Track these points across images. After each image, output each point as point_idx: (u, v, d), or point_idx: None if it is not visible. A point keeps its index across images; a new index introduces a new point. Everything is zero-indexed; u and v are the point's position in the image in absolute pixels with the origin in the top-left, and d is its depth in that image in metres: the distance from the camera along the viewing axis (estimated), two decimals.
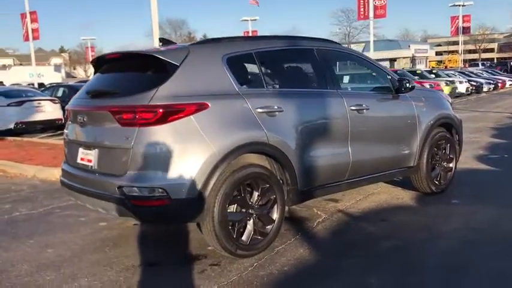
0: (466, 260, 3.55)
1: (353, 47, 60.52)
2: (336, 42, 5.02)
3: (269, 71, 4.21)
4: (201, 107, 3.47)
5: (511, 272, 3.34)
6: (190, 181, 3.37)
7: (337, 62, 5.42)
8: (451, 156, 5.51)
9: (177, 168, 3.37)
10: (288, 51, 4.34)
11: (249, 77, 3.98)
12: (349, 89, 5.07)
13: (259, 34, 48.73)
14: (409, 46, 69.42)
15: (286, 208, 4.08)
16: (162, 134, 3.36)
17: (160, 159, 3.36)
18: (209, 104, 3.51)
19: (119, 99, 3.56)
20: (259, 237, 3.76)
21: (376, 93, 4.91)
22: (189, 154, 3.40)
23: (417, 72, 22.45)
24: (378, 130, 4.69)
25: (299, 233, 4.26)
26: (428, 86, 19.19)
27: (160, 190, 3.34)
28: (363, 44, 55.49)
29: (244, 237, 3.69)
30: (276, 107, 3.86)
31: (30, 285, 3.38)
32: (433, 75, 24.29)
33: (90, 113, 3.71)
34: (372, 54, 33.51)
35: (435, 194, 5.32)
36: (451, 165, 5.53)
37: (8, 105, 12.61)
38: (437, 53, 79.94)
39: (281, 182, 3.94)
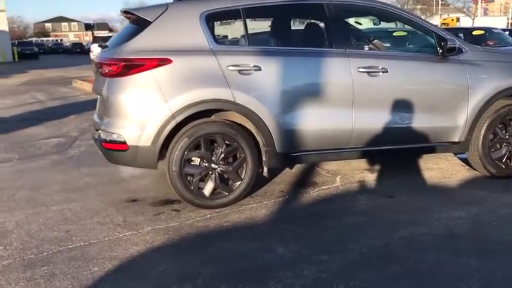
0: (359, 247, 3.11)
1: None
2: None
3: (258, 28, 4.10)
4: (162, 62, 3.69)
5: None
6: (143, 131, 3.69)
7: (374, 20, 4.84)
8: None
9: (134, 118, 3.72)
10: (288, 7, 4.12)
11: (230, 34, 3.98)
12: (367, 50, 4.51)
13: None
14: None
15: (266, 169, 4.05)
16: (123, 85, 3.72)
17: (121, 108, 3.75)
18: (172, 60, 3.70)
19: (105, 53, 4.03)
20: (223, 192, 3.88)
21: (410, 55, 4.31)
22: (145, 106, 3.70)
23: None
24: (399, 96, 4.14)
25: (286, 196, 4.19)
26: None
27: (119, 136, 3.75)
28: None
29: (205, 190, 3.86)
30: (252, 65, 3.81)
31: (30, 201, 4.21)
32: None
33: (95, 64, 4.27)
34: None
35: (501, 180, 4.45)
36: None
37: None
38: None
39: (261, 142, 3.92)
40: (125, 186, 4.56)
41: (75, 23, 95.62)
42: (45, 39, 69.80)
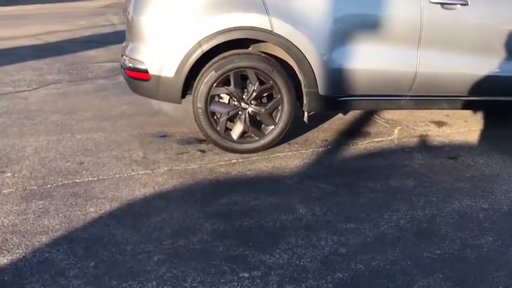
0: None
1: None
2: None
3: None
4: None
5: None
6: (166, 60, 3.27)
7: None
8: None
9: (156, 44, 3.30)
10: None
11: None
12: None
13: None
14: None
15: (306, 114, 3.52)
16: (147, 4, 3.28)
17: (144, 32, 3.33)
18: None
19: None
20: (253, 137, 3.44)
21: None
22: (169, 31, 3.25)
23: None
24: (480, 36, 3.37)
25: (328, 147, 3.66)
26: None
27: (141, 64, 3.35)
28: None
29: (233, 132, 3.43)
30: None
31: (59, 126, 4.01)
32: None
33: None
34: None
35: None
36: None
37: None
38: None
39: (302, 82, 3.37)
40: (159, 119, 4.24)
41: None
42: None
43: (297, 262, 2.21)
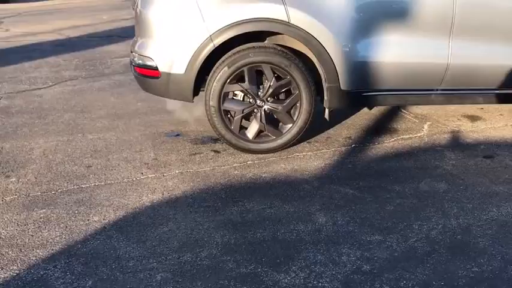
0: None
1: None
2: None
3: None
4: None
5: None
6: (176, 56, 3.06)
7: None
8: None
9: (166, 40, 3.11)
10: None
11: None
12: None
13: None
14: None
15: (327, 111, 3.27)
16: (157, 1, 3.08)
17: (153, 27, 3.13)
18: None
19: None
20: (270, 136, 3.21)
21: None
22: (179, 25, 3.05)
23: None
24: None
25: (352, 145, 3.41)
26: None
27: (151, 60, 3.16)
28: None
29: (248, 132, 3.21)
30: None
31: (70, 126, 3.86)
32: None
33: None
34: None
35: None
36: None
37: None
38: None
39: (322, 76, 3.13)
40: (174, 117, 4.04)
41: None
42: None
43: (315, 282, 1.98)
